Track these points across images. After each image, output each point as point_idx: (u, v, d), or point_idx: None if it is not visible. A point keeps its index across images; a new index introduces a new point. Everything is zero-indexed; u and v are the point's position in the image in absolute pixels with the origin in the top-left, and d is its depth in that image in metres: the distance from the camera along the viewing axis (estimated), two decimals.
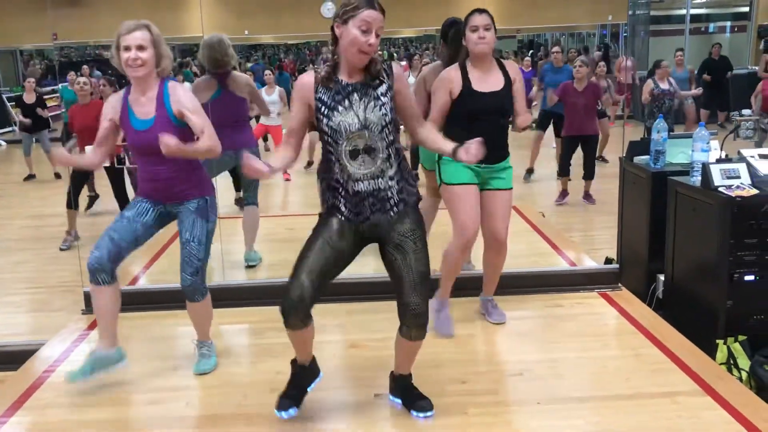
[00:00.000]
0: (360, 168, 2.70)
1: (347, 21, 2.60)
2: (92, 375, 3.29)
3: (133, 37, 3.13)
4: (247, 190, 5.14)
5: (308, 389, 3.07)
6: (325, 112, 2.68)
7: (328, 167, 2.78)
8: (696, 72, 12.34)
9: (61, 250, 6.52)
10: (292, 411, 3.00)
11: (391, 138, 2.73)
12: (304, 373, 3.06)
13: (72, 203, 6.58)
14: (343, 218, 2.79)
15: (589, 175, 7.60)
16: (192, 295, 3.40)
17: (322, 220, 2.86)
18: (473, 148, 2.75)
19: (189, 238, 3.33)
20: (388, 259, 2.84)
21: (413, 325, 2.84)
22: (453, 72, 3.66)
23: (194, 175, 3.34)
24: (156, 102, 3.22)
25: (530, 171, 8.87)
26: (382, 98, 2.71)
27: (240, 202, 7.14)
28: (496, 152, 3.64)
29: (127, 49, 3.13)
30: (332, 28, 2.67)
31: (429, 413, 3.01)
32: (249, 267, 5.12)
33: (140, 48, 3.13)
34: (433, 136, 2.96)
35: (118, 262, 3.29)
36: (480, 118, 3.58)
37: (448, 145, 2.87)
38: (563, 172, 7.73)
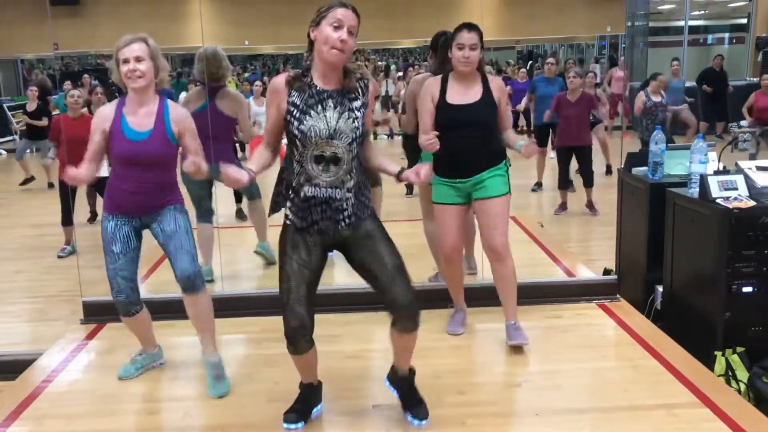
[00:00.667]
0: (321, 174, 2.72)
1: (320, 22, 2.67)
2: (141, 370, 3.61)
3: (131, 49, 3.19)
4: (248, 189, 5.06)
5: (313, 411, 3.10)
6: (297, 115, 2.71)
7: (289, 170, 2.81)
8: (695, 82, 12.38)
9: (59, 257, 6.53)
10: (300, 425, 3.04)
11: (356, 152, 2.76)
12: (311, 391, 3.11)
13: (65, 220, 6.59)
14: (291, 224, 2.82)
15: (588, 183, 7.61)
16: (194, 284, 3.38)
17: (284, 237, 2.87)
18: (423, 171, 2.79)
19: (175, 228, 3.37)
20: (357, 263, 2.89)
21: (404, 317, 2.84)
22: (433, 82, 3.74)
23: (172, 188, 3.42)
24: (155, 117, 3.27)
25: (539, 184, 8.89)
26: (356, 112, 2.74)
27: (241, 214, 7.13)
28: (474, 165, 3.67)
29: (126, 61, 3.19)
30: (308, 35, 2.73)
31: (424, 422, 3.01)
32: (258, 253, 5.25)
33: (138, 60, 3.19)
34: (377, 159, 2.97)
35: (138, 290, 3.47)
36: (453, 131, 3.59)
37: (392, 168, 2.93)
38: (562, 184, 7.74)
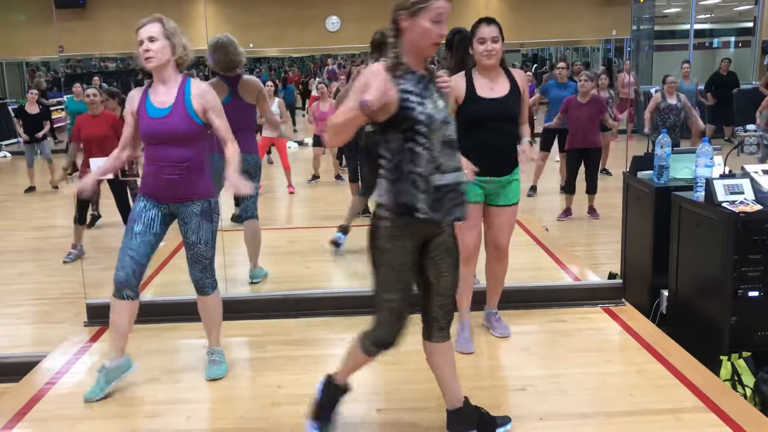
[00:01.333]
0: (448, 160, 2.59)
1: (417, 13, 2.52)
2: (107, 388, 3.40)
3: (145, 30, 3.28)
4: (245, 199, 4.91)
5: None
6: (417, 100, 2.55)
7: (409, 160, 2.56)
8: (703, 87, 12.36)
9: (65, 262, 6.52)
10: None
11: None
12: (337, 393, 3.00)
13: (79, 218, 6.59)
14: (420, 217, 2.56)
15: (591, 189, 7.59)
16: (203, 288, 3.52)
17: (393, 240, 2.63)
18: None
19: (196, 241, 3.42)
20: (424, 265, 2.75)
21: (436, 332, 2.83)
22: (458, 79, 3.67)
23: (200, 176, 3.39)
24: (177, 93, 3.33)
25: (533, 188, 8.86)
26: (444, 96, 2.69)
27: (236, 219, 7.08)
28: (504, 161, 3.65)
29: (141, 42, 3.27)
30: (394, 21, 2.58)
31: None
32: (253, 284, 4.98)
33: (151, 39, 3.26)
34: None
35: (141, 277, 3.44)
36: (485, 125, 3.57)
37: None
38: (569, 189, 7.71)
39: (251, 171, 4.71)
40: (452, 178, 2.60)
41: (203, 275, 3.48)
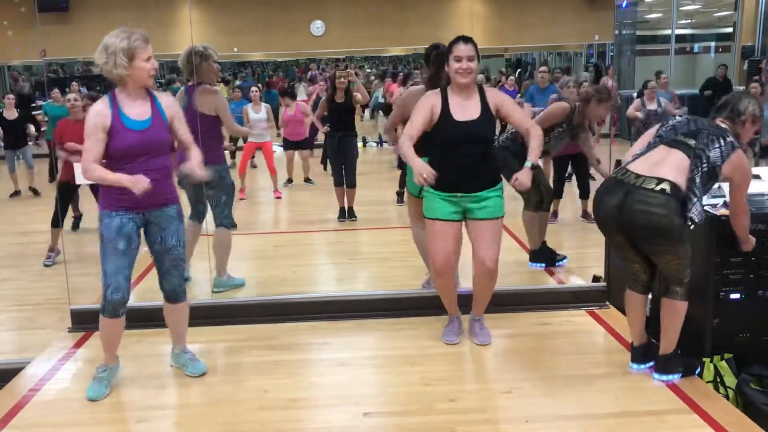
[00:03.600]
0: None
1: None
2: (109, 389, 3.50)
3: (150, 48, 3.32)
4: (215, 207, 4.80)
5: None
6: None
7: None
8: (698, 90, 12.52)
9: (45, 266, 6.48)
10: None
11: None
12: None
13: (58, 222, 6.55)
14: None
15: (584, 194, 7.62)
16: (178, 296, 3.56)
17: None
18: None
19: (176, 244, 3.45)
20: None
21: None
22: (434, 97, 3.72)
23: (171, 181, 3.47)
24: (150, 105, 3.36)
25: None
26: None
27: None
28: (475, 181, 3.68)
29: (149, 59, 3.30)
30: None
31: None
32: (216, 293, 4.82)
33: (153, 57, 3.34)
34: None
35: (129, 292, 3.47)
36: (457, 147, 3.63)
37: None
38: (556, 193, 7.74)
39: (211, 180, 4.70)
40: None
41: (180, 281, 3.53)
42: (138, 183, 3.16)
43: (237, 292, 4.93)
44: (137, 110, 3.32)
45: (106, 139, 3.29)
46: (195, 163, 3.39)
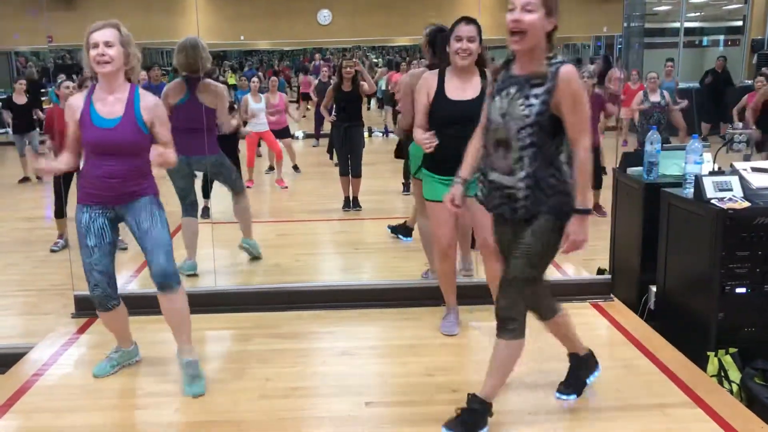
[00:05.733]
0: (497, 160, 2.75)
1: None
2: (117, 368, 3.57)
3: (102, 34, 3.18)
4: (226, 186, 5.11)
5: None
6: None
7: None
8: (698, 83, 12.39)
9: (52, 251, 6.49)
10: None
11: (530, 141, 2.66)
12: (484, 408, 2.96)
13: (58, 212, 6.56)
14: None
15: (597, 184, 7.59)
16: (169, 281, 3.32)
17: None
18: None
19: (152, 224, 3.31)
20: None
21: (497, 318, 2.90)
22: (430, 76, 3.70)
23: (146, 175, 3.36)
24: (125, 104, 3.25)
25: None
26: (532, 99, 2.66)
27: (207, 212, 7.03)
28: None
29: (95, 45, 3.17)
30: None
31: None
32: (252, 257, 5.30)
33: (107, 45, 3.17)
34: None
35: (115, 285, 3.44)
36: (451, 127, 3.56)
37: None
38: None
39: (214, 170, 4.89)
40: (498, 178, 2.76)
41: (168, 263, 3.29)
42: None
43: (240, 279, 4.94)
44: (109, 108, 3.24)
45: (78, 131, 3.29)
46: (161, 150, 3.19)
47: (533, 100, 2.63)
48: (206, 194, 6.77)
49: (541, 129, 2.63)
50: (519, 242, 2.77)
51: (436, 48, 4.16)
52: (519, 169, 2.68)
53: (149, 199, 3.35)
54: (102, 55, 3.16)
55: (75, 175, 6.39)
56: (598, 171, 7.55)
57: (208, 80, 4.92)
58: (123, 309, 3.49)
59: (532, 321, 4.12)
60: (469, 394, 2.95)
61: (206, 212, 7.03)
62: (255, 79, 9.50)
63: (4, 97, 13.41)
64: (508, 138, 2.67)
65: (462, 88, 3.62)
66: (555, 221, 2.74)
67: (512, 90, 2.69)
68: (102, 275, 3.33)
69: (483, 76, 3.67)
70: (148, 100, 3.30)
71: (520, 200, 2.71)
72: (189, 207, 4.96)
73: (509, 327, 2.85)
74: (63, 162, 3.38)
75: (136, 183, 3.30)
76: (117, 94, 3.25)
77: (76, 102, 3.30)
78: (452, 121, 3.57)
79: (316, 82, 12.17)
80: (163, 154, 3.17)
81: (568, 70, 2.64)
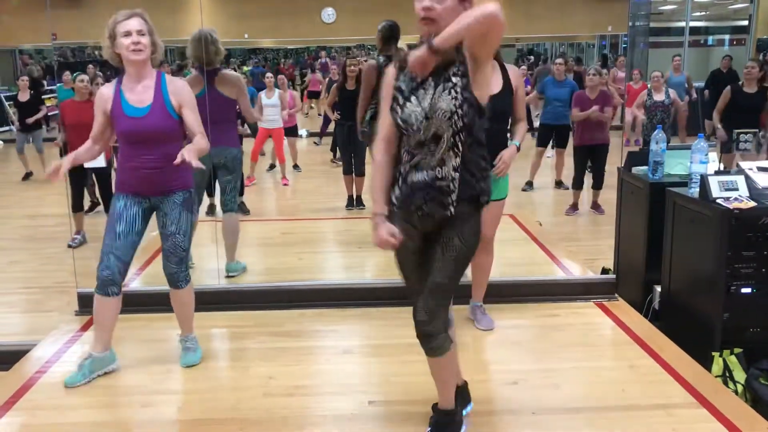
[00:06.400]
0: (424, 159, 2.52)
1: None
2: (90, 377, 3.42)
3: (133, 23, 3.21)
4: (224, 192, 4.87)
5: None
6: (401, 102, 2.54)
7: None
8: (703, 85, 12.30)
9: (70, 246, 6.49)
10: None
11: (461, 124, 2.48)
12: (448, 419, 2.85)
13: (76, 206, 6.56)
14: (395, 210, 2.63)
15: (597, 185, 7.57)
16: (176, 282, 3.48)
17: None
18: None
19: (175, 231, 3.40)
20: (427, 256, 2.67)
21: (418, 336, 2.68)
22: None
23: (181, 167, 3.30)
24: (153, 91, 3.28)
25: (530, 183, 8.86)
26: (457, 85, 2.47)
27: (213, 210, 7.04)
28: (492, 159, 3.63)
29: (128, 34, 3.19)
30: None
31: None
32: (229, 277, 4.91)
33: (140, 33, 3.21)
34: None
35: (126, 274, 3.45)
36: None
37: None
38: (577, 185, 7.69)
39: (228, 164, 4.75)
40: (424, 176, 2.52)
41: (179, 268, 3.46)
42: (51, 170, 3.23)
43: (244, 277, 4.93)
44: (138, 96, 3.27)
45: (108, 123, 3.35)
46: (190, 148, 3.18)
47: (458, 85, 2.48)
48: (210, 192, 6.78)
49: (470, 107, 2.49)
50: (446, 244, 2.58)
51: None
52: (452, 156, 2.51)
53: (183, 197, 3.40)
54: (137, 43, 3.20)
55: (88, 171, 6.46)
56: (602, 172, 7.55)
57: (226, 71, 4.86)
58: (118, 303, 3.44)
59: (539, 321, 4.13)
60: (433, 408, 2.91)
61: (212, 210, 7.05)
62: (270, 74, 9.48)
63: (11, 94, 13.46)
64: (439, 132, 2.49)
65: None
66: (478, 218, 2.62)
67: (429, 87, 2.50)
68: (118, 261, 3.36)
69: (503, 70, 3.66)
70: (175, 84, 3.35)
71: (452, 191, 2.51)
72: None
73: (431, 345, 2.65)
74: (83, 150, 3.42)
75: (169, 174, 3.32)
76: (145, 81, 3.29)
77: (107, 92, 3.33)
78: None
79: (326, 80, 12.17)
80: (191, 150, 3.15)
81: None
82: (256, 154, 9.28)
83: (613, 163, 6.27)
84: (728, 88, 7.42)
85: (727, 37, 18.29)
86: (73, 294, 4.38)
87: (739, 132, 6.35)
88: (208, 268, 5.01)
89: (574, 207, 7.70)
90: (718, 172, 3.95)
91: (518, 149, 3.73)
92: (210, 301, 4.26)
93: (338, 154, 9.51)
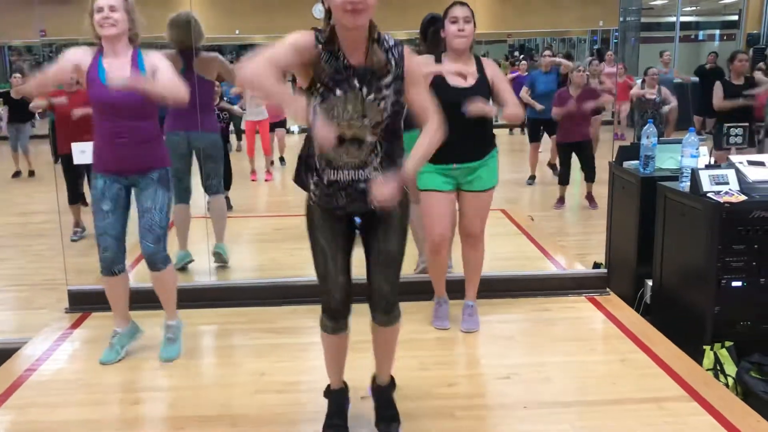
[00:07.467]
0: (347, 156, 2.48)
1: None
2: (122, 353, 3.59)
3: None
4: (209, 178, 4.86)
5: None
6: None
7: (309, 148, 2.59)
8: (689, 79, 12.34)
9: (72, 240, 6.47)
10: None
11: (383, 131, 2.47)
12: (343, 397, 2.99)
13: (72, 198, 6.54)
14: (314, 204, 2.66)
15: (590, 177, 7.58)
16: (155, 263, 3.50)
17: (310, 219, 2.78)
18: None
19: (151, 206, 3.43)
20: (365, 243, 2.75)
21: (378, 307, 2.77)
22: (429, 61, 3.64)
23: (156, 144, 3.43)
24: (130, 65, 3.31)
25: (533, 177, 8.88)
26: (384, 90, 2.42)
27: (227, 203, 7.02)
28: (470, 149, 3.63)
29: (100, 9, 3.24)
30: (322, 2, 2.42)
31: None
32: (218, 263, 4.94)
33: (111, 9, 3.24)
34: (419, 140, 2.59)
35: (124, 250, 3.53)
36: (450, 114, 3.49)
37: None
38: (563, 180, 7.71)
39: (209, 150, 4.74)
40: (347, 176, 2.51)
41: (156, 247, 3.45)
42: None
43: (235, 274, 4.92)
44: (116, 69, 3.27)
45: (68, 73, 3.42)
46: (139, 77, 3.23)
47: (385, 92, 2.43)
48: (227, 185, 6.78)
49: (395, 112, 2.49)
50: (388, 218, 2.60)
51: (427, 39, 4.10)
52: (375, 155, 2.49)
53: (159, 176, 3.43)
54: (106, 18, 3.24)
55: (81, 167, 6.40)
56: (592, 165, 7.57)
57: (204, 53, 4.74)
58: (126, 277, 3.56)
59: (531, 316, 4.14)
60: (374, 389, 2.98)
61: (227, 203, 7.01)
62: None
63: (3, 91, 13.36)
64: (364, 133, 2.45)
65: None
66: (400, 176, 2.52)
67: (355, 83, 2.40)
68: (114, 240, 3.42)
69: (478, 63, 3.65)
70: (150, 57, 3.39)
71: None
72: (183, 193, 4.79)
73: (396, 312, 2.78)
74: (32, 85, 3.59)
75: (143, 150, 3.36)
76: (122, 57, 3.33)
77: (84, 54, 3.35)
78: (451, 107, 3.38)
79: None
80: (137, 79, 3.20)
81: (408, 49, 2.50)
82: (252, 148, 9.28)
83: (605, 157, 6.28)
84: (718, 83, 7.44)
85: (717, 32, 18.36)
86: (63, 291, 4.35)
87: (729, 126, 6.37)
88: (198, 264, 4.99)
89: (561, 200, 7.72)
90: (708, 166, 3.96)
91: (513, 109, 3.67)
92: (201, 297, 4.25)
93: None
